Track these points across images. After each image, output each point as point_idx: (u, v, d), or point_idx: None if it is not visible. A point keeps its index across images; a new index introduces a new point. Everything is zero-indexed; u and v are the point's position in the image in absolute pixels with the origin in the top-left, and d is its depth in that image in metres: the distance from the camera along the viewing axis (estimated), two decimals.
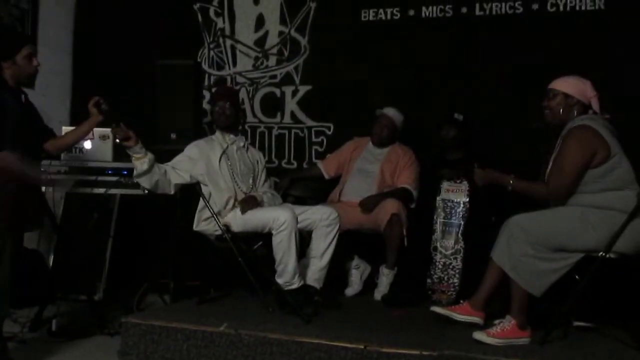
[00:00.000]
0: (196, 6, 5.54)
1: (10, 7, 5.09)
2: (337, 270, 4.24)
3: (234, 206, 4.05)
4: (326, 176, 4.78)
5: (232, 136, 4.22)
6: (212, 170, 4.06)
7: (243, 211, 3.98)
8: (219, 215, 3.96)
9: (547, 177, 3.30)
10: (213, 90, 5.24)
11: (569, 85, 3.35)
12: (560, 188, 3.20)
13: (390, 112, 4.62)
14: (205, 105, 5.37)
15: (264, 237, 3.93)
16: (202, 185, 4.04)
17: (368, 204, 4.34)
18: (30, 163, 3.20)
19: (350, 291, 4.42)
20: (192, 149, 4.11)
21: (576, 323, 3.44)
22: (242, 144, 4.29)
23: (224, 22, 5.50)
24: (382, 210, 4.22)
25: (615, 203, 3.12)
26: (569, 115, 3.32)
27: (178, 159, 4.06)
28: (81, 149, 4.63)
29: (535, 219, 3.18)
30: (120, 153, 4.70)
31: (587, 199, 3.17)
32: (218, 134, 4.25)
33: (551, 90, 3.39)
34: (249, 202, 4.02)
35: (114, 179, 4.55)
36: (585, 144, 3.16)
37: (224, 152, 4.13)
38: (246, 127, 5.29)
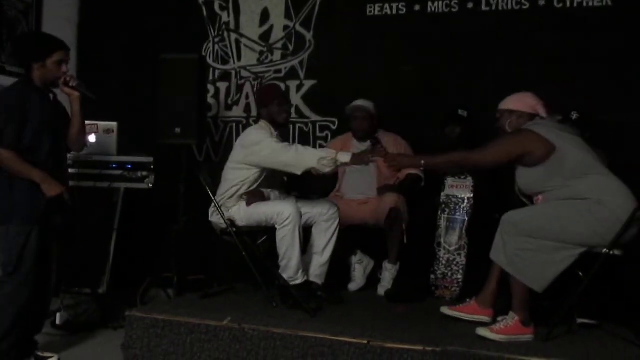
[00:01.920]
0: (201, 0, 5.53)
1: (14, 0, 5.09)
2: (340, 266, 4.25)
3: (240, 198, 4.06)
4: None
5: (277, 133, 4.18)
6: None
7: (248, 203, 3.98)
8: (223, 207, 3.96)
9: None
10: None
11: (511, 101, 3.52)
12: (477, 158, 3.46)
13: (361, 102, 4.60)
14: (210, 100, 5.38)
15: (269, 232, 3.93)
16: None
17: (387, 188, 4.34)
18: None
19: (353, 286, 4.41)
20: (268, 135, 4.02)
21: (580, 320, 3.44)
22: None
23: (228, 16, 5.49)
24: (381, 205, 4.22)
25: (586, 191, 3.15)
26: (519, 127, 3.43)
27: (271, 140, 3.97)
28: (85, 143, 4.63)
29: (525, 213, 3.24)
30: (125, 147, 4.73)
31: (556, 193, 3.22)
32: (268, 125, 4.13)
33: (498, 112, 3.55)
34: (256, 195, 4.03)
35: (118, 172, 4.56)
36: (516, 141, 3.33)
37: None
38: (251, 121, 5.29)
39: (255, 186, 4.03)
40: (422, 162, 3.63)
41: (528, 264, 3.12)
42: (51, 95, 3.52)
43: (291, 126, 5.24)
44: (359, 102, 4.62)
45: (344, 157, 3.79)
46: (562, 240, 3.11)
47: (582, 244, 3.13)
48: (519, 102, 3.49)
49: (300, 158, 3.81)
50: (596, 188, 3.15)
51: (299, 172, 3.82)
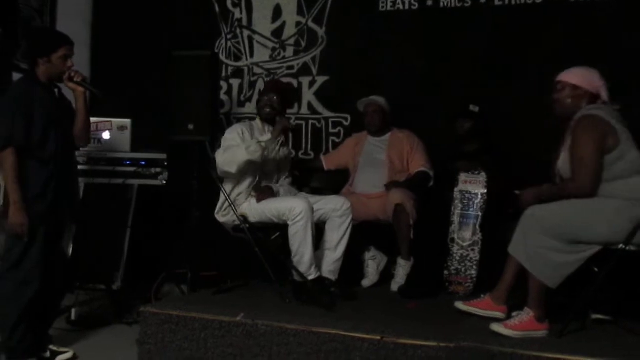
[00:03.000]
0: None
1: None
2: (353, 262, 4.25)
3: (250, 195, 4.08)
4: (325, 168, 4.83)
5: (271, 128, 4.21)
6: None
7: (258, 200, 4.00)
8: (235, 204, 3.98)
9: (569, 174, 3.26)
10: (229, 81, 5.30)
11: (576, 76, 3.32)
12: (585, 180, 3.14)
13: (372, 98, 4.62)
14: (223, 96, 5.39)
15: (282, 228, 3.94)
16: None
17: (393, 184, 4.35)
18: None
19: (366, 282, 4.41)
20: (234, 134, 4.14)
21: (594, 316, 3.42)
22: (279, 139, 4.30)
23: (241, 12, 5.49)
24: (388, 201, 4.22)
25: (626, 192, 3.10)
26: (578, 106, 3.29)
27: (234, 139, 4.10)
28: (99, 140, 4.67)
29: (550, 211, 3.15)
30: (138, 144, 4.75)
31: (600, 189, 3.14)
32: (259, 122, 4.29)
33: (559, 83, 3.36)
34: (265, 192, 4.05)
35: (132, 169, 4.58)
36: (595, 130, 3.14)
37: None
38: None
39: (254, 183, 4.07)
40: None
41: (546, 261, 3.08)
42: (56, 91, 3.53)
43: (304, 122, 5.25)
44: (370, 98, 4.63)
45: (265, 137, 4.03)
46: (581, 239, 3.08)
47: (600, 242, 3.09)
48: (585, 79, 3.30)
49: (232, 154, 3.99)
50: (636, 189, 3.09)
51: (234, 170, 3.97)
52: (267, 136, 4.05)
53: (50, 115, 3.39)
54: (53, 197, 3.38)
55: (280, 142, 4.30)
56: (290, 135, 4.47)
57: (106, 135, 4.69)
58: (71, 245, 4.48)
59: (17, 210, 3.25)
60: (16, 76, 4.42)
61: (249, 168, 4.06)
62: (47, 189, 3.37)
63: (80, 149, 4.41)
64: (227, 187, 4.11)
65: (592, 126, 3.16)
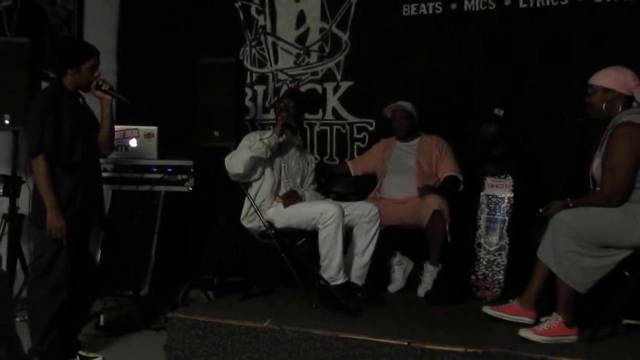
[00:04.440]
0: (237, 4, 5.57)
1: (57, 8, 5.20)
2: (379, 267, 4.24)
3: (275, 200, 4.09)
4: (352, 173, 4.83)
5: (289, 133, 4.23)
6: (264, 162, 4.11)
7: (285, 205, 4.01)
8: (260, 209, 3.99)
9: (600, 182, 3.22)
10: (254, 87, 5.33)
11: (607, 78, 3.25)
12: (614, 190, 3.11)
13: (399, 103, 4.63)
14: (248, 103, 5.42)
15: (307, 234, 3.94)
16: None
17: (427, 189, 4.34)
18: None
19: (393, 288, 4.40)
20: (245, 140, 4.16)
21: (625, 321, 3.37)
22: (297, 143, 4.34)
23: (265, 19, 5.52)
24: (424, 207, 4.19)
25: None
26: (612, 110, 3.23)
27: (244, 144, 4.12)
28: (126, 147, 4.72)
29: (580, 215, 3.11)
30: (165, 151, 4.79)
31: (632, 194, 3.10)
32: (279, 129, 4.27)
33: (590, 86, 3.30)
34: (292, 196, 4.06)
35: (158, 176, 4.62)
36: (632, 142, 3.08)
37: (280, 146, 4.17)
38: None
39: (275, 186, 4.09)
40: (570, 204, 3.24)
41: (575, 266, 3.04)
42: (80, 100, 3.59)
43: (328, 128, 5.25)
44: (397, 104, 4.63)
45: (267, 134, 4.08)
46: (612, 244, 3.04)
47: (632, 246, 3.05)
48: (617, 81, 3.21)
49: (237, 155, 4.05)
50: None
51: (241, 170, 4.02)
52: (268, 134, 4.08)
53: (76, 123, 3.44)
54: (80, 203, 3.43)
55: (299, 144, 4.32)
56: (295, 132, 4.39)
57: (133, 142, 4.75)
58: (99, 252, 4.54)
59: (54, 215, 3.30)
60: (45, 84, 4.47)
61: (258, 165, 4.09)
62: (75, 196, 3.42)
63: (107, 156, 4.48)
64: (251, 192, 4.13)
65: (628, 136, 3.10)
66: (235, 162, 4.04)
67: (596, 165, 3.24)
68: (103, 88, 3.56)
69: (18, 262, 4.21)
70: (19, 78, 4.15)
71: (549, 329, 3.06)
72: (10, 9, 4.76)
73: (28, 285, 3.64)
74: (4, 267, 4.02)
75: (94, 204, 3.59)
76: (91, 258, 3.70)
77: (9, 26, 4.75)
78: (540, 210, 3.35)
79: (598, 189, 3.24)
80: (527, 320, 3.27)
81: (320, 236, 3.80)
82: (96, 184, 3.65)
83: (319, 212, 3.81)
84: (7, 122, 4.14)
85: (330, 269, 3.78)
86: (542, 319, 3.18)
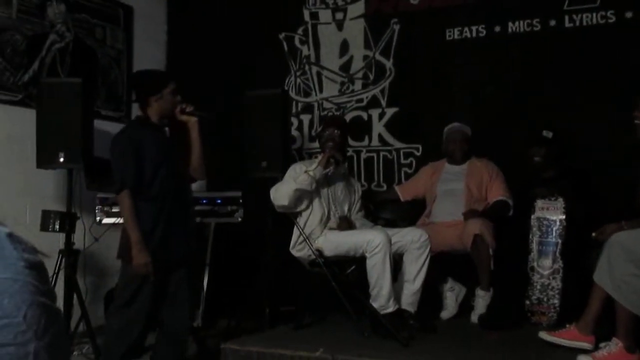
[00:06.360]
0: (281, 36, 5.65)
1: (107, 48, 5.37)
2: (432, 293, 4.20)
3: (325, 228, 4.10)
4: (402, 199, 4.79)
5: (330, 169, 4.25)
6: (310, 193, 4.13)
7: (340, 228, 4.02)
8: (309, 238, 4.01)
9: None
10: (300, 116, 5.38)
11: None
12: None
13: (458, 126, 4.60)
14: (294, 132, 5.47)
15: (357, 261, 3.94)
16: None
17: (472, 213, 4.28)
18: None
19: (446, 314, 4.34)
20: (290, 172, 4.20)
21: None
22: (343, 171, 4.35)
23: (309, 49, 5.59)
24: (465, 231, 4.15)
25: None
26: None
27: (290, 175, 4.17)
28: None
29: (636, 237, 3.04)
30: (214, 183, 4.86)
31: None
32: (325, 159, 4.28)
33: (637, 106, 3.26)
34: (345, 222, 4.08)
35: (208, 208, 4.68)
36: None
37: (325, 176, 4.19)
38: None
39: (323, 218, 4.12)
40: (625, 227, 3.25)
41: (634, 289, 2.97)
42: (166, 130, 3.59)
43: (375, 154, 5.26)
44: (456, 126, 4.61)
45: (313, 166, 4.11)
46: None
47: None
48: None
49: (282, 188, 4.09)
50: None
51: (286, 202, 4.05)
52: (315, 164, 4.10)
53: (160, 155, 3.40)
54: (159, 237, 3.37)
55: (344, 173, 4.33)
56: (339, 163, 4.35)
57: None
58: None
59: (139, 251, 3.26)
60: (97, 122, 4.61)
61: (304, 196, 4.11)
62: (156, 227, 3.37)
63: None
64: (300, 222, 4.15)
65: None
66: (280, 195, 4.07)
67: None
68: (187, 110, 3.55)
69: (75, 297, 4.30)
70: (72, 117, 4.26)
71: (609, 355, 2.99)
72: (62, 50, 4.93)
73: (108, 312, 3.70)
74: (60, 304, 4.10)
75: (179, 236, 3.48)
76: (182, 292, 3.52)
77: (62, 67, 4.92)
78: (594, 234, 3.28)
79: None
80: (585, 345, 3.19)
81: (369, 265, 3.79)
82: (184, 215, 3.54)
83: (365, 241, 3.81)
84: (61, 159, 4.26)
85: (380, 298, 3.76)
86: (602, 345, 3.11)
